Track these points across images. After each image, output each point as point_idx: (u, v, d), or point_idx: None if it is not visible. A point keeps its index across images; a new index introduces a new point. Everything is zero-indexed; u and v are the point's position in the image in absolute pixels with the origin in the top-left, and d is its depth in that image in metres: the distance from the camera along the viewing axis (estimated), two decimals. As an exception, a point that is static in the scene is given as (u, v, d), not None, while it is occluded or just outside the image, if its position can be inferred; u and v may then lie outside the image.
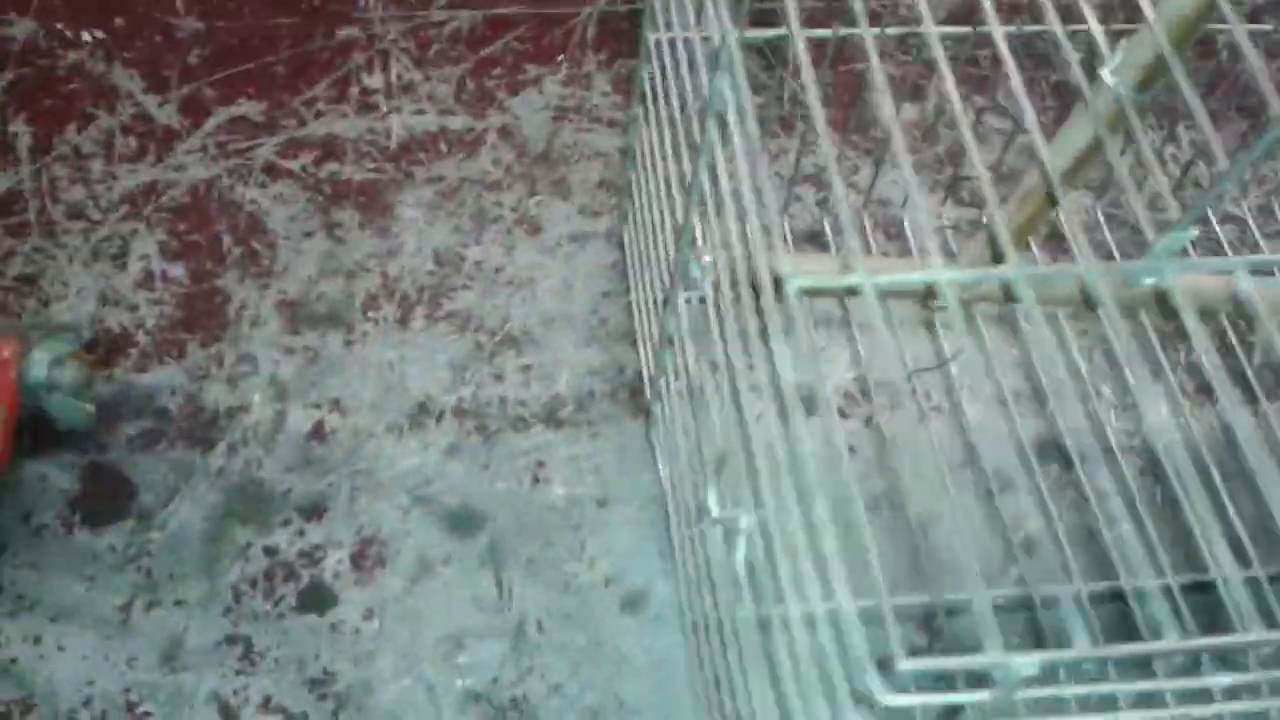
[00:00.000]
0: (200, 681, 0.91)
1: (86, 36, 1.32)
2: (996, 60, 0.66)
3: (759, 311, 0.69)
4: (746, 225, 0.73)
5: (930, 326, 1.17)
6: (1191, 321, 0.60)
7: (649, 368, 1.09)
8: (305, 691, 0.91)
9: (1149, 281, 0.65)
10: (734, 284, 0.74)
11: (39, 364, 0.96)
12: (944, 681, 0.88)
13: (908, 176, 0.62)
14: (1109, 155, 0.64)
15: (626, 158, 1.26)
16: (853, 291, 0.62)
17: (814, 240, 1.22)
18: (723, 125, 0.75)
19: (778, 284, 0.65)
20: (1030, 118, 0.63)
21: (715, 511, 0.81)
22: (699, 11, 0.92)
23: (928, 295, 1.01)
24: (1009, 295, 0.77)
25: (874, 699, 0.52)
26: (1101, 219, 1.21)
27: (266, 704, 0.90)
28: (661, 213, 0.97)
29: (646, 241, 1.10)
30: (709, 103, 0.73)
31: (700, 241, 0.81)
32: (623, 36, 1.39)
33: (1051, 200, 0.74)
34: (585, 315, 1.14)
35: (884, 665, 0.54)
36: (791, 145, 1.27)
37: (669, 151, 0.91)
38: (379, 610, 0.95)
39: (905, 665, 0.49)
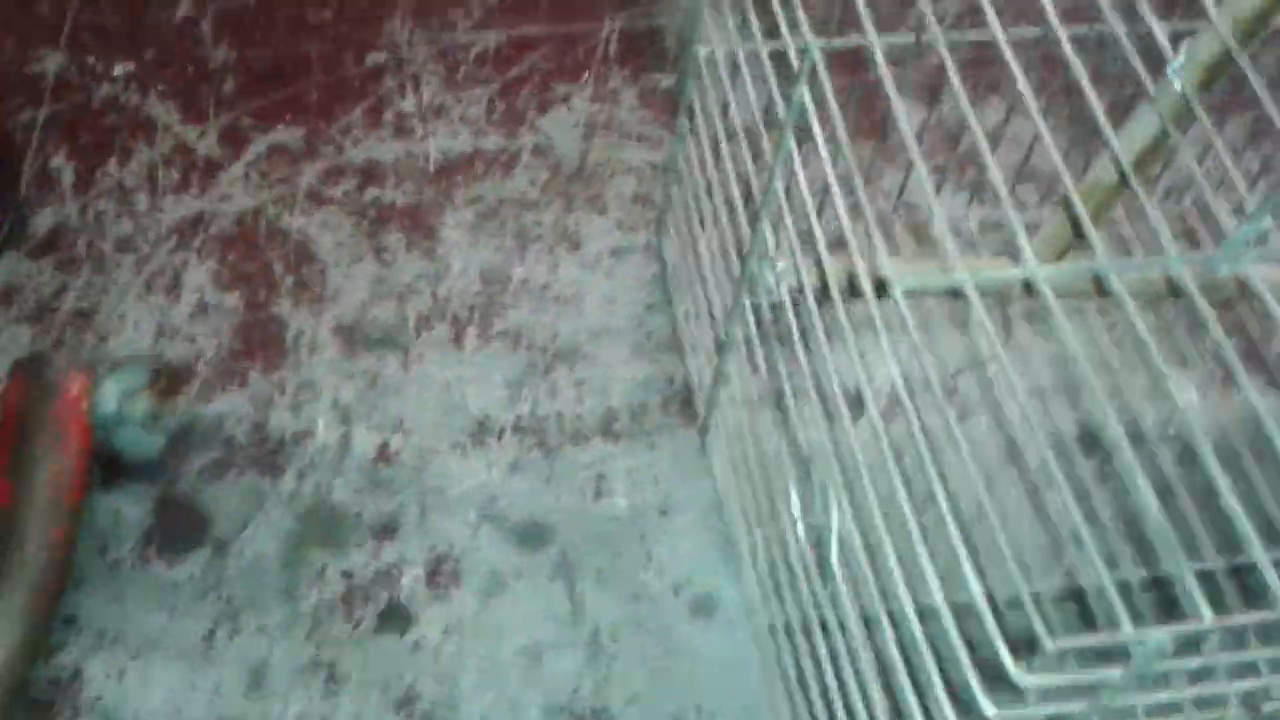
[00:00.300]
0: (287, 707, 0.93)
1: (118, 70, 1.34)
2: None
3: (845, 313, 0.73)
4: (820, 230, 0.76)
5: (963, 326, 1.20)
6: (1275, 309, 0.64)
7: (699, 377, 1.12)
8: (391, 713, 0.94)
9: (1225, 270, 0.69)
10: (823, 289, 0.76)
11: (109, 397, 0.98)
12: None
13: (994, 176, 0.65)
14: (1178, 149, 0.68)
15: (663, 171, 1.29)
16: (955, 291, 0.66)
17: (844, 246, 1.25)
18: (800, 134, 0.78)
19: (880, 286, 0.68)
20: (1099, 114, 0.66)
21: (798, 513, 0.84)
22: (742, 25, 0.95)
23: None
24: (1100, 288, 0.80)
25: (1017, 682, 0.55)
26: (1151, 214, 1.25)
27: (355, 723, 0.93)
28: (717, 223, 1.00)
29: (693, 253, 1.13)
30: (788, 112, 0.76)
31: (773, 249, 0.84)
32: (645, 52, 1.42)
33: (1117, 191, 0.78)
34: (631, 328, 1.17)
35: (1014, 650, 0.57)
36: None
37: (727, 163, 0.94)
38: (456, 627, 0.98)
39: (1054, 645, 0.53)
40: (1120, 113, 0.97)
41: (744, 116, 0.92)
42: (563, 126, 1.34)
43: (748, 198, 0.95)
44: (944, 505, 0.63)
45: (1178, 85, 0.72)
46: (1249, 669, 0.66)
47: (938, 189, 1.27)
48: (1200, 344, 1.21)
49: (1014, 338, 1.18)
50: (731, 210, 1.21)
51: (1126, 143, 0.78)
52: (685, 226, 1.15)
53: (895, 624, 0.73)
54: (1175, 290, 0.80)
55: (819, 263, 0.77)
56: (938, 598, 0.62)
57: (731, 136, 0.94)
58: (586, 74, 1.39)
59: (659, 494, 1.06)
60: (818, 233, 0.76)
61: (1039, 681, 0.57)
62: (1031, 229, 1.28)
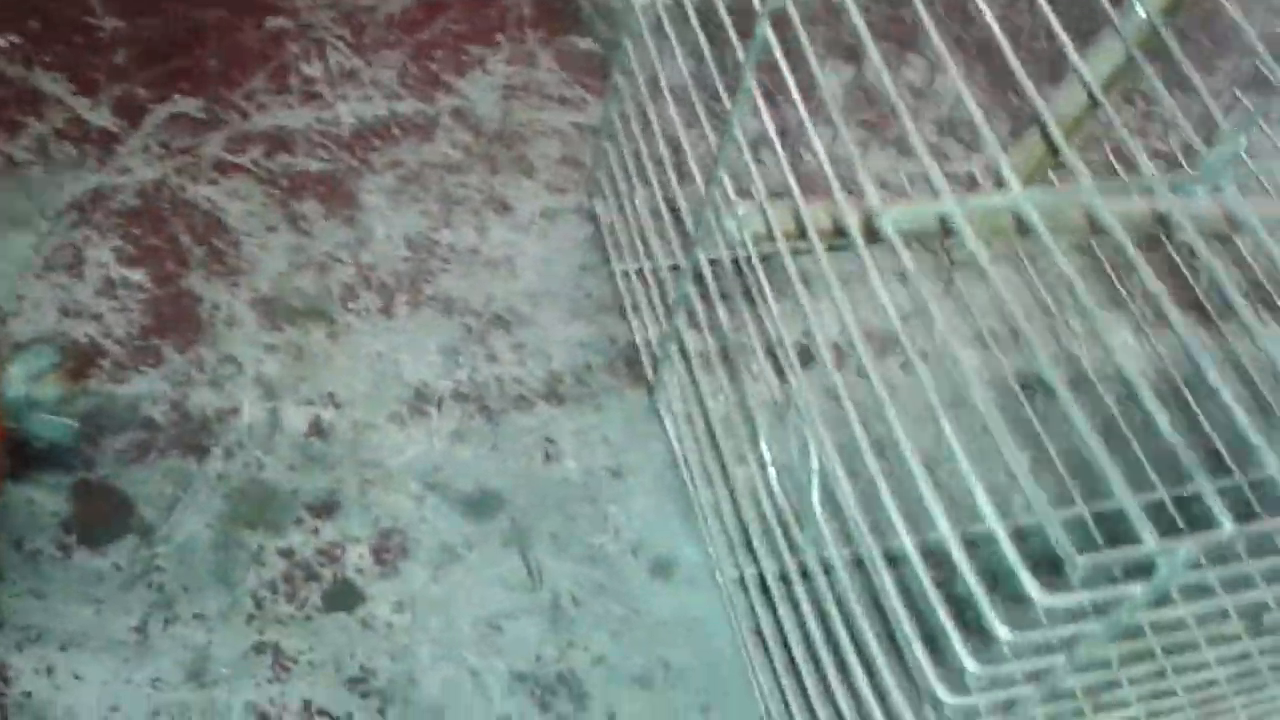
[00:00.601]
0: (234, 694, 0.87)
1: (1, 41, 1.25)
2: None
3: (825, 257, 0.70)
4: (792, 173, 0.74)
5: (901, 277, 1.19)
6: (1261, 231, 0.64)
7: (643, 335, 1.09)
8: (346, 691, 0.88)
9: (1201, 191, 0.68)
10: (799, 233, 0.74)
11: (15, 381, 0.91)
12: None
13: (973, 109, 0.63)
14: (1146, 74, 0.67)
15: (597, 132, 1.25)
16: (944, 224, 0.64)
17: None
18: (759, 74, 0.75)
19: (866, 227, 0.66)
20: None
21: (770, 460, 0.82)
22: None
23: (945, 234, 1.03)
24: (1093, 225, 0.79)
25: (1039, 602, 0.53)
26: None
27: (307, 709, 0.88)
28: (662, 176, 0.97)
29: (631, 211, 1.10)
30: (750, 52, 0.74)
31: (732, 196, 0.81)
32: (559, 13, 1.38)
33: (1079, 124, 0.77)
34: (569, 290, 1.13)
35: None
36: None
37: (672, 112, 0.91)
38: (409, 602, 0.93)
39: (1082, 561, 0.51)
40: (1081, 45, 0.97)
41: (691, 65, 0.89)
42: (481, 89, 1.29)
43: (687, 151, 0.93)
44: (952, 439, 0.61)
45: (1141, 10, 0.72)
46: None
47: (864, 146, 1.27)
48: (1132, 283, 1.23)
49: (955, 285, 1.18)
50: (681, 162, 1.18)
51: (1093, 70, 0.78)
52: (622, 185, 1.11)
53: (892, 561, 0.71)
54: (1164, 223, 0.80)
55: (794, 208, 0.74)
56: (943, 526, 0.60)
57: (674, 91, 0.91)
58: (500, 37, 1.35)
59: (610, 455, 1.02)
60: (789, 175, 0.73)
61: (1061, 602, 0.55)
62: (954, 179, 1.29)
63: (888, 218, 0.62)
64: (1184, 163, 1.34)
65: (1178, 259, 1.24)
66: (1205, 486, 0.54)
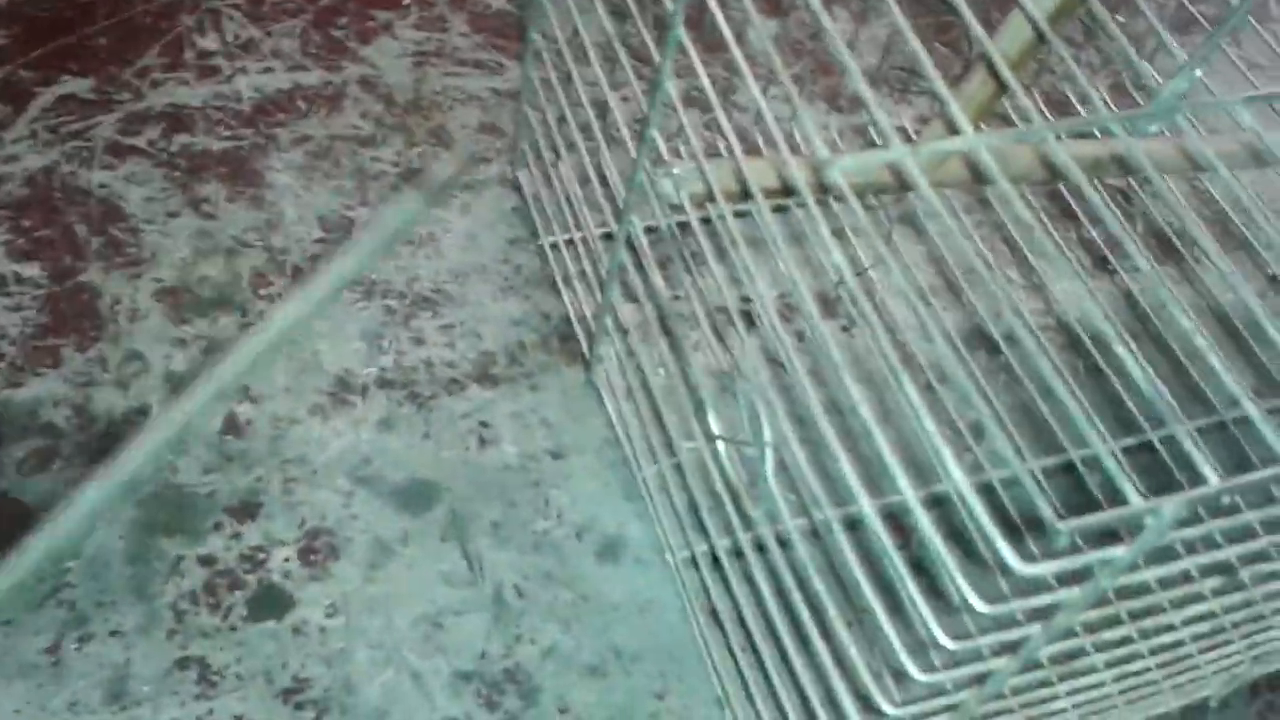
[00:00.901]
0: (158, 714, 0.82)
1: None
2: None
3: (768, 216, 0.66)
4: (729, 125, 0.69)
5: (840, 234, 1.16)
6: (1222, 170, 0.61)
7: (577, 310, 1.04)
8: (279, 704, 0.83)
9: (1154, 129, 0.65)
10: (743, 192, 0.70)
11: (-104, 392, 0.84)
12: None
13: (916, 46, 0.59)
14: (1092, 5, 0.64)
15: (517, 97, 1.19)
16: (898, 173, 0.60)
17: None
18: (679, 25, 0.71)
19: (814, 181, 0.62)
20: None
21: (718, 431, 0.77)
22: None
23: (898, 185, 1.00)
24: (1049, 168, 0.76)
25: (1017, 571, 0.50)
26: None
27: (239, 724, 0.82)
28: (589, 140, 0.92)
29: (558, 180, 1.05)
30: (676, 2, 0.69)
31: (665, 156, 0.77)
32: (469, -27, 1.32)
33: (1028, 54, 0.74)
34: (497, 265, 1.08)
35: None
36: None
37: (598, 71, 0.86)
38: (342, 604, 0.88)
39: (1066, 525, 0.47)
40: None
41: (613, 21, 0.84)
42: (389, 56, 1.22)
43: (615, 113, 0.87)
44: (913, 393, 0.58)
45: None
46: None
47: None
48: (1070, 231, 1.21)
49: (893, 242, 1.15)
50: (608, 126, 1.13)
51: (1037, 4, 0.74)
52: (547, 152, 1.06)
53: (850, 528, 0.67)
54: (1119, 163, 0.77)
55: (735, 165, 0.70)
56: (904, 487, 0.56)
57: (596, 47, 0.86)
58: (407, 0, 1.28)
59: (549, 436, 0.98)
60: (728, 129, 0.69)
61: (1042, 570, 0.52)
62: (898, 132, 1.25)
63: (837, 168, 0.58)
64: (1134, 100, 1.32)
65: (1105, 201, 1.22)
66: (1180, 430, 0.50)
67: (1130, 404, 1.04)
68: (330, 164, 1.12)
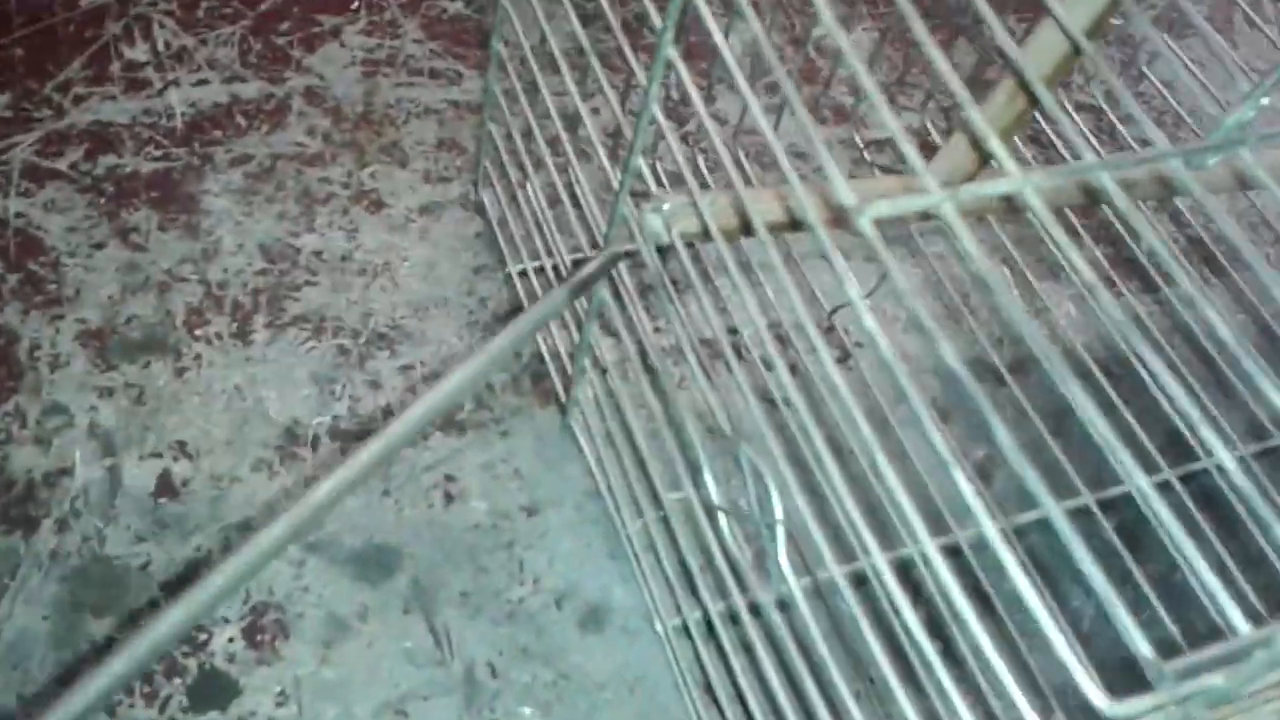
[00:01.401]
0: (84, 827, 0.71)
1: None
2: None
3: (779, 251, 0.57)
4: (731, 156, 0.60)
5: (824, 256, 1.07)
6: (1276, 190, 0.53)
7: (551, 346, 0.95)
8: (225, 810, 0.73)
9: (1213, 162, 0.58)
10: (744, 228, 0.61)
11: None
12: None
13: (881, 105, 0.51)
14: (1138, 25, 0.56)
15: (478, 110, 1.10)
16: (927, 216, 0.52)
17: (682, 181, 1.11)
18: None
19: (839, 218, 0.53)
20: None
21: (716, 499, 0.69)
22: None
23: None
24: (1091, 195, 0.68)
25: (1107, 714, 0.41)
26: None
27: (179, 837, 0.72)
28: (559, 159, 0.83)
29: (526, 202, 0.96)
30: (668, 11, 0.60)
31: (654, 186, 0.68)
32: (422, -26, 1.22)
33: (1061, 71, 0.65)
34: (459, 297, 0.98)
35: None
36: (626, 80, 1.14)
37: (569, 82, 0.76)
38: (294, 691, 0.78)
39: (1170, 668, 0.39)
40: None
41: (583, 25, 0.75)
42: (337, 65, 1.12)
43: (587, 126, 0.78)
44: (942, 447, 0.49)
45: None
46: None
47: (775, 115, 1.14)
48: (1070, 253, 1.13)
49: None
50: (579, 140, 1.03)
51: (1046, 42, 0.66)
52: (513, 171, 0.97)
53: (859, 584, 0.59)
54: (1172, 190, 0.69)
55: (736, 199, 0.61)
56: (929, 547, 0.48)
57: (564, 54, 0.77)
58: (357, 3, 1.18)
59: (522, 490, 0.88)
60: (727, 159, 0.60)
61: (1134, 709, 0.43)
62: (876, 148, 1.17)
63: (868, 215, 0.49)
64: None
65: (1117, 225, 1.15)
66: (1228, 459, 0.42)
67: (1141, 434, 0.97)
68: (272, 186, 1.02)
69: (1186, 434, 0.98)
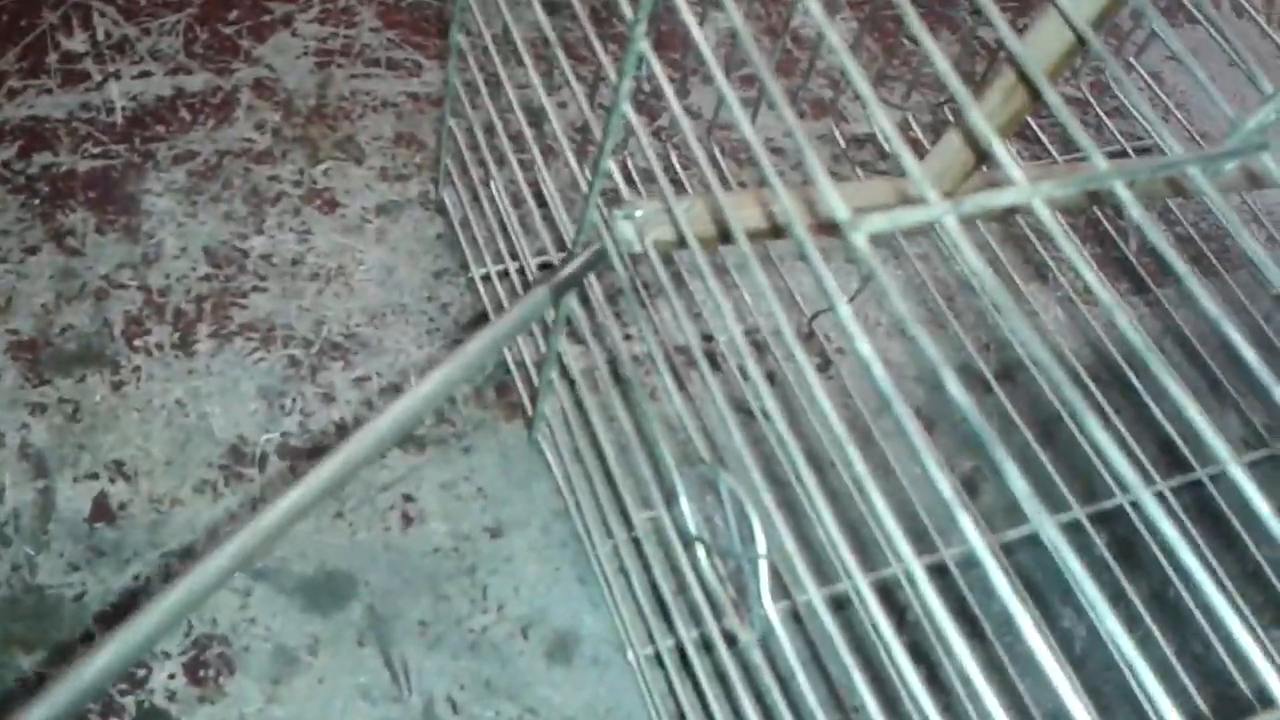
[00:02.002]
0: None
1: None
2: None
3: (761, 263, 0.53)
4: (707, 157, 0.55)
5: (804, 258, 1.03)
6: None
7: (516, 355, 0.89)
8: None
9: (1230, 166, 0.53)
10: (722, 236, 0.56)
11: None
12: None
13: (871, 101, 0.46)
14: (1152, 20, 0.51)
15: (438, 104, 1.04)
16: (931, 227, 0.47)
17: (654, 177, 1.05)
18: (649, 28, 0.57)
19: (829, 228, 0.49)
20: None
21: (693, 526, 0.64)
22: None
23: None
24: (1097, 199, 0.63)
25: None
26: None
27: None
28: (523, 155, 0.78)
29: (490, 201, 0.90)
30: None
31: (623, 186, 0.62)
32: (379, -41, 1.16)
33: (1065, 61, 0.61)
34: (419, 303, 0.92)
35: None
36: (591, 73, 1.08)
37: (531, 78, 0.71)
38: (240, 730, 0.73)
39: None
40: None
41: (547, 14, 0.69)
42: (288, 55, 1.06)
43: (552, 121, 0.73)
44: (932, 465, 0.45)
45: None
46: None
47: (750, 106, 1.09)
48: (1056, 251, 1.09)
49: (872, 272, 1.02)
50: (544, 136, 0.98)
51: (1048, 33, 0.61)
52: (474, 169, 0.91)
53: (839, 608, 0.54)
54: (1182, 191, 0.65)
55: (714, 207, 0.56)
56: (914, 565, 0.43)
57: (528, 44, 0.71)
58: (310, -9, 1.12)
59: (485, 510, 0.83)
60: (703, 161, 0.55)
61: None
62: (855, 143, 1.12)
63: (863, 231, 0.44)
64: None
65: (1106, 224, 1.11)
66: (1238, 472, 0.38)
67: (1133, 444, 0.93)
68: (219, 185, 0.96)
69: (1179, 443, 0.95)
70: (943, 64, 0.48)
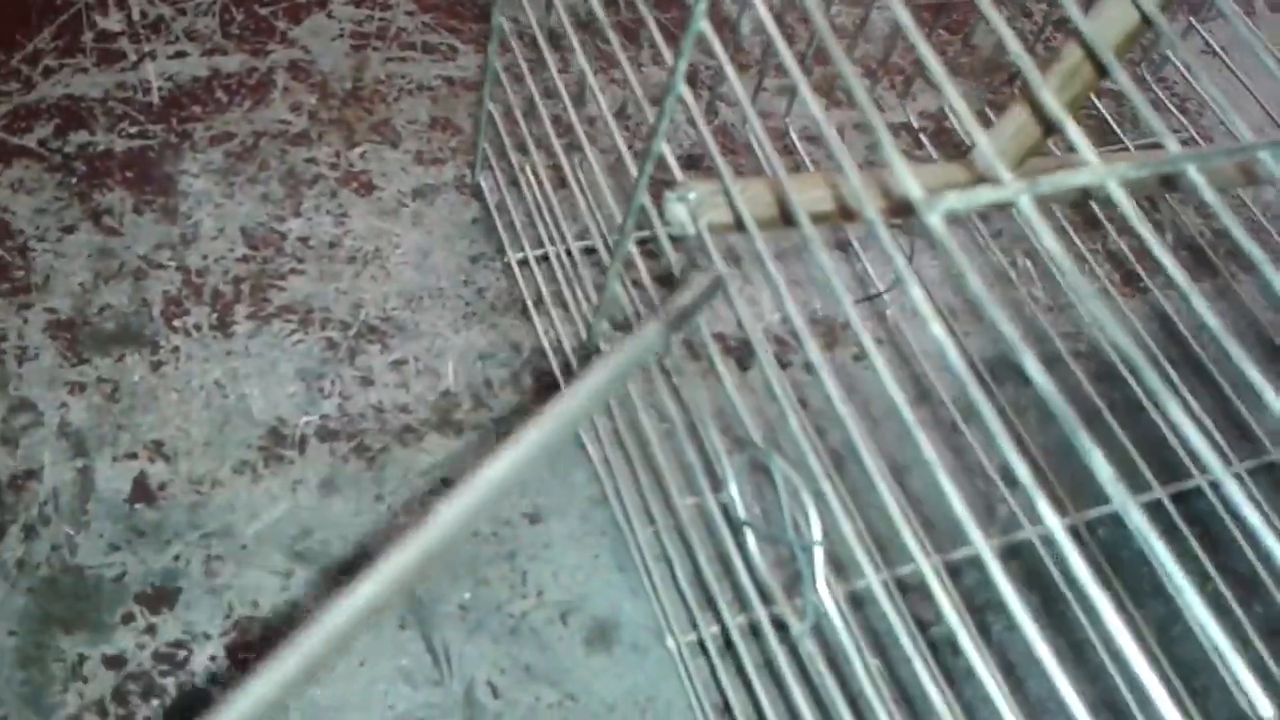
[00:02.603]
0: None
1: None
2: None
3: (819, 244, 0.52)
4: (759, 140, 0.55)
5: (846, 248, 1.02)
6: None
7: (554, 339, 0.89)
8: (206, 844, 0.68)
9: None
10: (784, 217, 0.56)
11: None
12: None
13: (942, 80, 0.46)
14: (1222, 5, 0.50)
15: (475, 87, 1.04)
16: (1001, 206, 0.47)
17: (697, 165, 1.05)
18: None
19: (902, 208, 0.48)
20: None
21: (742, 510, 0.63)
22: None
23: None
24: (1170, 184, 0.63)
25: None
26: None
27: None
28: (564, 139, 0.77)
29: (529, 185, 0.90)
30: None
31: (678, 174, 0.62)
32: (414, -58, 1.15)
33: (1130, 42, 0.60)
34: (455, 287, 0.92)
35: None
36: (632, 58, 1.08)
37: (578, 60, 0.71)
38: (280, 714, 0.72)
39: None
40: None
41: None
42: (324, 38, 1.06)
43: (600, 103, 0.73)
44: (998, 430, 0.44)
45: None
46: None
47: (788, 94, 1.08)
48: (1097, 245, 1.09)
49: (913, 261, 1.02)
50: (587, 119, 0.98)
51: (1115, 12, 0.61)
52: (513, 153, 0.91)
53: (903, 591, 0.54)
54: (1252, 179, 0.65)
55: (777, 186, 0.56)
56: (983, 548, 0.43)
57: (574, 25, 0.71)
58: (345, -27, 1.11)
59: (524, 496, 0.83)
60: (761, 142, 0.54)
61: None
62: (894, 130, 1.12)
63: (941, 210, 0.44)
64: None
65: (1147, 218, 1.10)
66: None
67: (1174, 442, 0.92)
68: (255, 167, 0.96)
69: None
70: (1014, 44, 0.47)
